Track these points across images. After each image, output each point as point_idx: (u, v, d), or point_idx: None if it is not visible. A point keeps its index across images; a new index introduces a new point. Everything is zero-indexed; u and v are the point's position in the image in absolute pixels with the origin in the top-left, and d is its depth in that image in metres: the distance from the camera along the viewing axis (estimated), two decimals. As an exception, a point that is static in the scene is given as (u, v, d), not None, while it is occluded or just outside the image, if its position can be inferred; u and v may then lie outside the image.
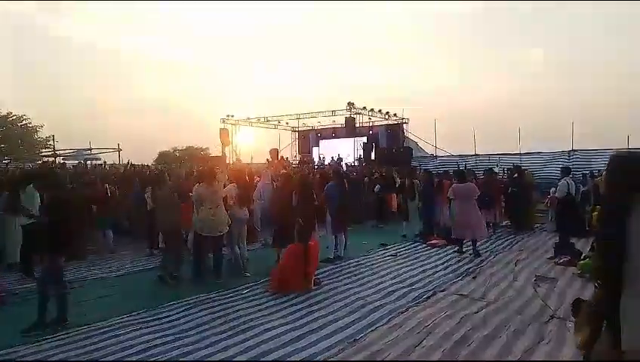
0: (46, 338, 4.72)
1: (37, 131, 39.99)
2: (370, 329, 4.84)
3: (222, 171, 7.45)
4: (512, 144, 22.79)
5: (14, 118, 39.26)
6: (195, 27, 70.32)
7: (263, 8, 70.57)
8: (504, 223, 12.21)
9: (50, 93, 58.57)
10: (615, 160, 2.37)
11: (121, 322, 5.20)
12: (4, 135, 38.36)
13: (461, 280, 6.94)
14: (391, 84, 55.57)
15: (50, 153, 24.89)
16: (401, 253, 9.03)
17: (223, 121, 27.56)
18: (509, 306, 5.58)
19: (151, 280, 7.11)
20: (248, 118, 28.73)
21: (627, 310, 2.10)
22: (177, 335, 4.78)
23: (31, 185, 7.34)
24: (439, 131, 25.35)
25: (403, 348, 4.30)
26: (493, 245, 9.72)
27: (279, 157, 24.61)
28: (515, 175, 12.31)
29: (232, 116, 28.03)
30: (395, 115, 26.46)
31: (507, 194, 11.94)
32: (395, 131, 26.78)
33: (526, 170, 13.52)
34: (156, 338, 4.68)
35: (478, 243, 8.96)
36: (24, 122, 39.76)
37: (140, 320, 5.27)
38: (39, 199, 7.08)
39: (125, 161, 22.58)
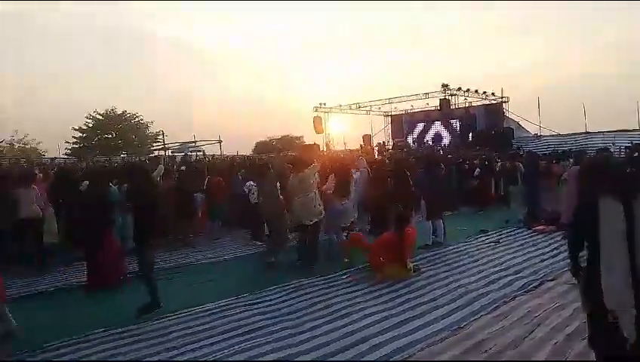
0: (159, 319, 5.13)
1: (148, 127, 43.76)
2: (473, 318, 4.66)
3: (313, 160, 7.51)
4: (628, 120, 20.59)
5: (128, 115, 43.28)
6: (284, 22, 71.86)
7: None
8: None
9: (154, 90, 63.45)
10: (584, 163, 3.31)
11: (227, 304, 5.52)
12: (120, 131, 42.49)
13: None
14: (488, 62, 52.68)
15: (160, 147, 27.02)
16: (504, 240, 8.57)
17: (316, 110, 28.03)
18: None
19: (254, 266, 7.49)
20: (340, 105, 28.92)
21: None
22: (279, 318, 4.97)
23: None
24: (543, 108, 23.56)
25: (511, 339, 4.07)
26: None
27: (376, 144, 24.59)
28: (635, 154, 11.11)
29: (325, 104, 28.40)
30: (493, 93, 25.08)
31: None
32: (493, 111, 25.39)
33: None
34: (260, 321, 4.91)
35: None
36: (137, 119, 43.71)
37: (245, 303, 5.55)
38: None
39: (226, 152, 24.00)
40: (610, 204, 2.58)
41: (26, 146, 36.96)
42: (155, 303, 5.30)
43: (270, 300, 5.66)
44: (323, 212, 7.09)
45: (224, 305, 5.50)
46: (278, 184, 7.52)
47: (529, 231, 9.16)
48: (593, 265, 2.65)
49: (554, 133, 23.95)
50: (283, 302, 5.57)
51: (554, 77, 51.79)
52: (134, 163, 11.64)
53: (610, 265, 2.56)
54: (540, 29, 59.60)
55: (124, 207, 7.40)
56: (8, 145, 34.28)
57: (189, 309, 5.38)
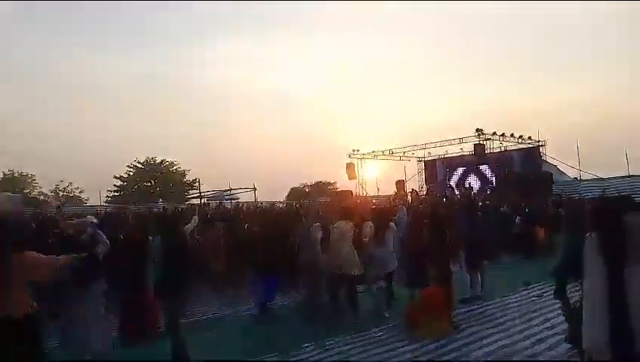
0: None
1: (184, 175, 45.00)
2: (520, 384, 4.39)
3: (351, 209, 7.44)
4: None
5: (167, 164, 44.73)
6: (320, 64, 73.96)
7: (382, 39, 71.87)
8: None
9: (189, 138, 65.45)
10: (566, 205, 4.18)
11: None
12: (159, 179, 43.85)
13: None
14: (524, 104, 52.24)
15: (196, 195, 27.66)
16: (548, 294, 8.13)
17: (349, 156, 28.23)
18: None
19: (287, 319, 7.35)
20: (373, 152, 29.04)
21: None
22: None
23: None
24: (583, 151, 22.96)
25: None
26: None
27: (410, 190, 24.37)
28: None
29: (358, 150, 28.61)
30: (529, 137, 24.65)
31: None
32: (530, 155, 24.86)
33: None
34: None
35: None
36: (174, 167, 45.10)
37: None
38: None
39: (260, 199, 24.28)
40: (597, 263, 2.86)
41: (70, 195, 38.49)
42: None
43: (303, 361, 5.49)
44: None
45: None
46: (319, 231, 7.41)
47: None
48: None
49: (595, 177, 23.18)
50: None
51: (592, 117, 50.62)
52: (164, 213, 11.68)
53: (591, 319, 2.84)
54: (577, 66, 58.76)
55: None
56: (52, 193, 35.79)
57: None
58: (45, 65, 60.63)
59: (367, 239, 7.21)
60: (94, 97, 61.80)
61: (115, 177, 42.55)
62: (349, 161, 28.14)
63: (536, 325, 6.31)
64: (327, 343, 5.97)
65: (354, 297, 7.00)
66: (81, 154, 56.28)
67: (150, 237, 8.35)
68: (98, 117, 61.75)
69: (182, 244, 5.77)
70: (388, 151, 28.64)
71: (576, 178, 24.24)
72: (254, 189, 24.51)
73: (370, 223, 7.50)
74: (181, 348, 5.23)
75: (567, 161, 24.73)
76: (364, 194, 26.63)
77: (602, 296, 2.81)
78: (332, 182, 45.08)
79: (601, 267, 2.85)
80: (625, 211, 3.08)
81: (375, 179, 28.69)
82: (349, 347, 5.83)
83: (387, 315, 7.06)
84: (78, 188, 40.77)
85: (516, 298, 7.98)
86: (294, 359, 5.51)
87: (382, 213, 8.27)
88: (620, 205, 3.23)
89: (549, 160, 24.73)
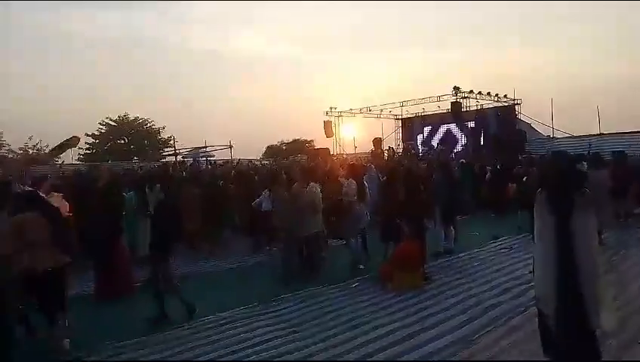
0: (172, 330, 5.18)
1: (159, 133, 44.12)
2: (485, 331, 4.63)
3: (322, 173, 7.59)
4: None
5: (141, 121, 43.67)
6: (294, 22, 72.18)
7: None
8: (637, 211, 10.85)
9: (165, 96, 63.91)
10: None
11: (238, 315, 5.54)
12: (133, 137, 42.91)
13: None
14: (500, 63, 52.32)
15: (171, 152, 27.28)
16: (517, 247, 8.48)
17: (327, 114, 28.03)
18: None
19: (263, 274, 7.50)
20: (351, 110, 28.89)
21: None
22: (290, 329, 4.98)
23: (158, 185, 8.08)
24: (557, 110, 23.32)
25: (525, 354, 4.01)
26: (625, 237, 8.71)
27: (387, 148, 24.50)
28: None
29: (335, 108, 28.38)
30: (505, 96, 24.81)
31: (640, 180, 10.55)
32: (506, 113, 25.09)
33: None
34: (272, 331, 4.94)
35: (607, 235, 8.13)
36: (149, 125, 44.10)
37: (255, 313, 5.58)
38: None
39: (236, 157, 24.13)
40: (545, 216, 3.08)
41: (40, 153, 37.40)
42: (189, 307, 5.48)
43: (281, 310, 5.67)
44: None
45: (235, 316, 5.53)
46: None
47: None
48: None
49: (567, 136, 23.68)
50: (294, 312, 5.57)
51: (567, 77, 51.17)
52: (156, 171, 11.64)
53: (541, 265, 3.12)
54: (551, 31, 58.89)
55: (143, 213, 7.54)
56: (22, 151, 34.70)
57: (202, 319, 5.42)
58: (12, 16, 57.42)
59: (352, 196, 7.35)
60: (68, 51, 59.46)
61: (87, 135, 41.45)
62: (326, 118, 27.98)
63: (504, 276, 6.60)
64: (305, 294, 6.16)
65: (317, 255, 7.24)
66: (52, 111, 54.26)
67: (131, 193, 8.37)
68: (69, 71, 59.59)
69: (174, 202, 5.90)
70: (366, 109, 28.52)
71: (549, 136, 24.71)
72: (230, 147, 24.29)
73: (354, 182, 7.61)
74: (162, 304, 5.41)
75: (541, 119, 25.11)
76: (342, 152, 26.68)
77: (549, 247, 3.01)
78: (310, 140, 44.91)
79: (548, 219, 3.05)
80: (572, 166, 3.37)
81: (352, 137, 28.70)
82: (324, 298, 6.03)
83: (362, 267, 7.28)
84: (47, 145, 39.60)
85: (486, 251, 8.29)
86: (273, 309, 5.67)
87: (354, 170, 8.39)
88: (564, 160, 3.41)
89: (523, 118, 25.05)
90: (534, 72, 53.65)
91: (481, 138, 24.17)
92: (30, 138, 35.85)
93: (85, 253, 7.41)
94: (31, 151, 36.40)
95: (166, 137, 42.66)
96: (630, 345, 4.07)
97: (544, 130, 25.20)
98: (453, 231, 8.50)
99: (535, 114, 25.40)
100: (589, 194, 3.12)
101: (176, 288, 5.56)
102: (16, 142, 38.32)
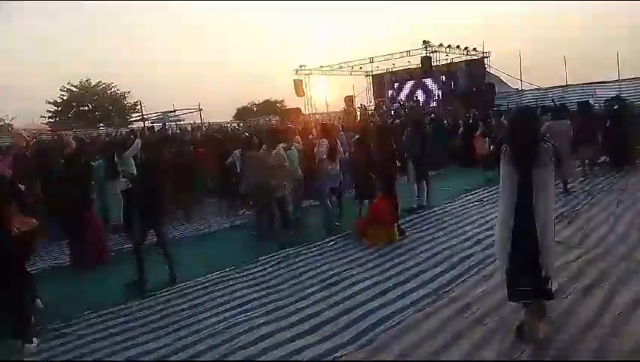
0: (150, 296, 5.19)
1: (125, 97, 42.63)
2: (459, 281, 4.79)
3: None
4: (609, 71, 20.63)
5: (104, 85, 41.99)
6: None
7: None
8: (601, 160, 11.18)
9: (128, 58, 61.43)
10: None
11: (216, 278, 5.58)
12: (96, 103, 41.36)
13: (556, 225, 6.56)
14: (468, 15, 51.92)
15: (139, 118, 26.52)
16: (488, 199, 8.69)
17: (297, 72, 27.51)
18: (611, 253, 5.20)
19: (239, 238, 7.52)
20: (321, 67, 28.40)
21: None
22: (268, 290, 5.04)
23: (127, 152, 7.89)
24: (525, 62, 23.45)
25: (495, 301, 4.18)
26: (590, 185, 9.02)
27: (359, 105, 24.38)
28: (615, 106, 11.14)
29: (305, 66, 27.85)
30: (474, 49, 24.79)
31: (605, 129, 10.80)
32: (475, 67, 25.15)
33: (627, 99, 12.20)
34: (251, 293, 4.99)
35: (572, 185, 8.40)
36: (112, 90, 42.49)
37: (233, 276, 5.62)
38: (134, 165, 7.62)
39: (206, 120, 23.64)
40: (507, 171, 3.30)
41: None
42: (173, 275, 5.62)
43: (258, 272, 5.72)
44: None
45: (213, 279, 5.56)
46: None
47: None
48: None
49: (535, 87, 23.96)
50: (271, 273, 5.63)
51: (537, 30, 51.32)
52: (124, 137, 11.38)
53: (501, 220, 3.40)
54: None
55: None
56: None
57: (180, 284, 5.44)
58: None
59: (323, 156, 7.31)
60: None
61: (49, 102, 39.78)
62: (296, 77, 27.48)
63: (476, 228, 6.77)
64: (281, 256, 6.22)
65: (288, 213, 7.30)
66: (8, 78, 51.48)
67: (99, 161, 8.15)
68: (28, 35, 56.33)
69: (160, 164, 6.13)
70: (336, 66, 28.11)
71: (517, 89, 24.96)
72: (200, 110, 23.72)
73: (325, 141, 7.55)
74: (142, 270, 5.44)
75: (510, 72, 25.28)
76: (314, 112, 26.46)
77: (510, 198, 3.30)
78: (280, 100, 44.29)
79: (510, 172, 3.30)
80: (533, 122, 3.48)
81: (324, 96, 28.40)
82: (301, 258, 6.10)
83: (338, 224, 7.37)
84: (7, 115, 37.88)
85: (458, 204, 8.47)
86: (251, 272, 5.72)
87: (326, 130, 8.32)
88: (527, 116, 3.49)
89: (492, 71, 25.16)
90: (502, 21, 53.44)
91: (452, 92, 24.25)
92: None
93: (57, 225, 7.31)
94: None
95: (132, 102, 41.34)
96: (591, 290, 4.26)
97: (513, 83, 25.43)
98: (426, 187, 8.64)
99: (504, 66, 25.51)
100: (549, 147, 3.27)
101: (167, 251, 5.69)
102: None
